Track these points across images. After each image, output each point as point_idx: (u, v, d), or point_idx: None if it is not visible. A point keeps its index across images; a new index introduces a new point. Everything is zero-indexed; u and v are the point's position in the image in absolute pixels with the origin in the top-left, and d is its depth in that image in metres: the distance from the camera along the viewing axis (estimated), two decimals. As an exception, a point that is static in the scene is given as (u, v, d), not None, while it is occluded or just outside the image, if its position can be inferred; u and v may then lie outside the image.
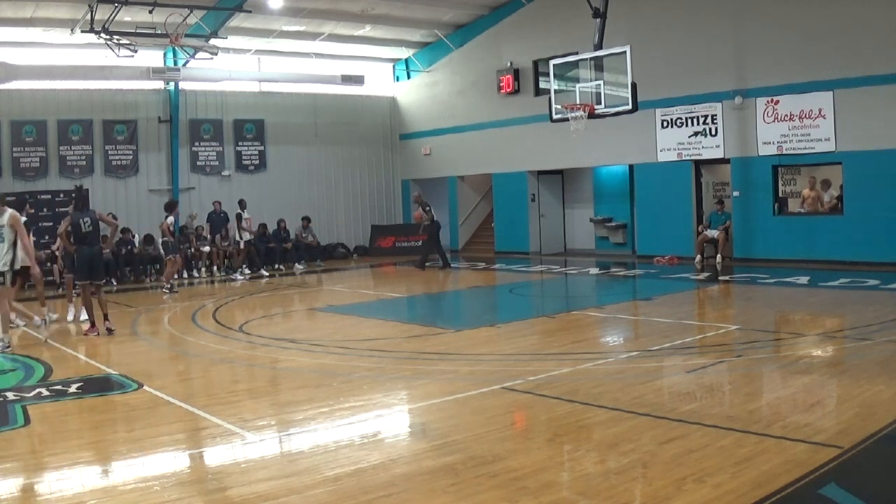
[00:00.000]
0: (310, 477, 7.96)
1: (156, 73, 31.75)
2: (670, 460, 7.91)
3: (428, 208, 31.03)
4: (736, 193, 27.81)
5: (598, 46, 24.08)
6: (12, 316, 17.81)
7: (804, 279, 22.55)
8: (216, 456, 9.10)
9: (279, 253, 33.27)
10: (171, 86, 34.00)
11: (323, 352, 15.03)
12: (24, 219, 17.50)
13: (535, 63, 33.95)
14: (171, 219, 26.48)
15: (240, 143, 36.10)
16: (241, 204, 30.83)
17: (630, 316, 18.84)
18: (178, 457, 8.89)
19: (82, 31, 27.50)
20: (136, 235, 30.37)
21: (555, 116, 25.37)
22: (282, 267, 32.69)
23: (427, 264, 31.40)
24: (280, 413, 10.77)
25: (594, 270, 28.77)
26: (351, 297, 23.79)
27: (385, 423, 10.31)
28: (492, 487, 7.45)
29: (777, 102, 26.41)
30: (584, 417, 9.78)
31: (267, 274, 30.17)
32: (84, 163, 32.24)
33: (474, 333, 16.57)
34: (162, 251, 27.45)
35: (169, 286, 26.10)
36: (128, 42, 27.72)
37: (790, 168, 27.15)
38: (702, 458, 7.94)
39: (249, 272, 30.54)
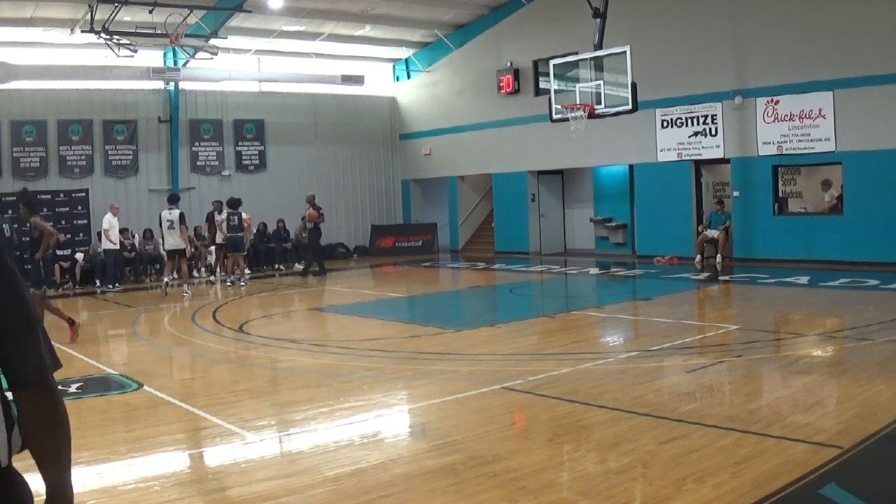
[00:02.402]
0: (310, 477, 7.97)
1: (156, 73, 31.75)
2: (670, 460, 7.91)
3: (321, 211, 30.48)
4: (736, 193, 27.80)
5: (598, 46, 24.11)
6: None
7: (804, 279, 22.54)
8: (216, 456, 9.11)
9: (279, 253, 33.27)
10: (171, 86, 34.00)
11: (323, 352, 15.07)
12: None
13: (535, 63, 33.95)
14: (244, 215, 27.44)
15: (240, 143, 36.10)
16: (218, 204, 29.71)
17: (630, 316, 18.86)
18: (178, 457, 8.90)
19: (82, 31, 27.50)
20: (136, 236, 30.34)
21: (555, 116, 25.41)
22: (282, 267, 32.68)
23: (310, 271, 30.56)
24: (280, 413, 10.78)
25: (594, 270, 28.79)
26: (351, 297, 23.80)
27: (385, 423, 10.32)
28: (492, 487, 7.46)
29: (777, 102, 26.41)
30: (584, 417, 9.79)
31: (230, 281, 28.48)
32: (84, 163, 32.23)
33: (474, 333, 16.58)
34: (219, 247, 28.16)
35: (235, 279, 27.41)
36: (128, 42, 27.73)
37: (790, 168, 27.15)
38: (702, 458, 7.94)
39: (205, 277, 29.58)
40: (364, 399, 11.24)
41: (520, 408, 10.64)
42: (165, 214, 25.27)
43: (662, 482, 7.36)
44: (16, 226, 17.99)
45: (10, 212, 26.69)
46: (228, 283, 26.98)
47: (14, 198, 28.14)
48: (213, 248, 29.52)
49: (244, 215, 27.68)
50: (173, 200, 25.81)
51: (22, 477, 2.86)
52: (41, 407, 2.91)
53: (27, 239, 18.63)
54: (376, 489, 7.54)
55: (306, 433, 9.78)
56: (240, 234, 27.48)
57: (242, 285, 26.92)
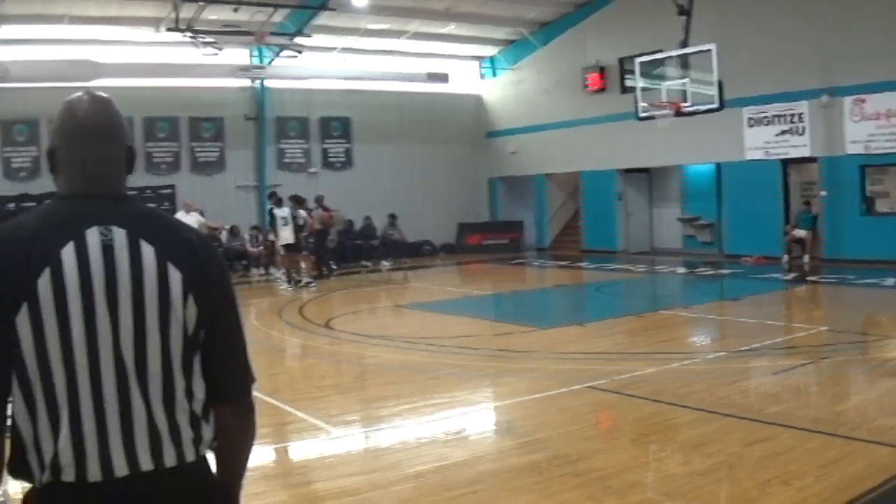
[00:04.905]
0: (394, 473, 8.02)
1: (242, 71, 32.03)
2: (756, 462, 7.86)
3: (332, 212, 29.87)
4: (823, 193, 27.46)
5: (684, 44, 23.95)
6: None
7: (893, 280, 22.24)
8: (301, 450, 9.23)
9: (366, 250, 33.42)
10: (258, 83, 34.24)
11: (409, 348, 15.10)
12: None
13: (621, 61, 33.62)
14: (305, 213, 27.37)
15: (326, 141, 36.30)
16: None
17: (717, 316, 18.71)
18: (264, 450, 8.97)
19: (167, 30, 27.74)
20: (224, 231, 30.56)
21: (641, 114, 25.29)
22: (368, 264, 32.80)
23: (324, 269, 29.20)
24: (366, 409, 10.87)
25: (681, 270, 28.57)
26: (437, 295, 23.85)
27: (470, 420, 10.36)
28: (576, 486, 7.46)
29: (864, 101, 26.08)
30: (670, 418, 9.76)
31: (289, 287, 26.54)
32: (171, 159, 32.59)
33: (561, 332, 16.54)
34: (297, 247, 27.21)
35: (307, 281, 26.74)
36: (212, 40, 27.97)
37: (878, 168, 26.78)
38: (787, 460, 7.89)
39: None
40: (450, 396, 11.30)
41: (605, 407, 10.64)
42: (279, 212, 26.13)
43: (747, 484, 7.32)
44: None
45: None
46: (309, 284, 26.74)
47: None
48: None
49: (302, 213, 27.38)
50: (280, 201, 26.85)
51: (212, 472, 3.00)
52: (237, 422, 3.06)
53: None
54: (460, 486, 7.58)
55: (391, 429, 9.84)
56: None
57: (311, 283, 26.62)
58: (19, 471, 2.77)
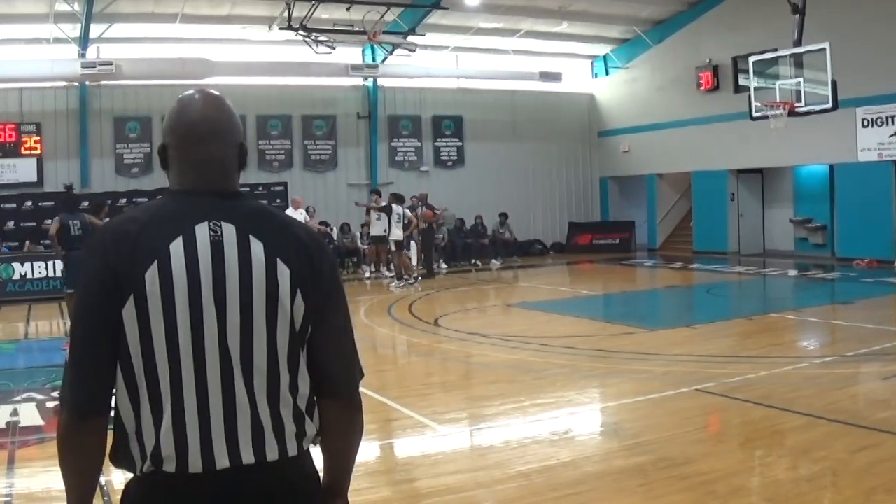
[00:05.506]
0: (499, 471, 8.05)
1: (354, 69, 32.26)
2: (861, 469, 7.76)
3: (436, 210, 29.76)
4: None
5: (798, 43, 23.62)
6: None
7: None
8: (406, 447, 9.30)
9: (476, 248, 33.49)
10: (370, 82, 34.47)
11: (517, 347, 15.11)
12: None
13: (735, 60, 33.33)
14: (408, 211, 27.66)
15: (438, 139, 36.44)
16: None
17: (827, 320, 18.41)
18: (369, 446, 9.04)
19: (280, 29, 27.99)
20: (335, 228, 30.78)
21: (755, 114, 25.01)
22: (478, 262, 32.86)
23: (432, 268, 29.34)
24: (471, 407, 10.90)
25: (793, 272, 28.17)
26: (546, 294, 23.81)
27: (577, 420, 10.36)
28: (681, 490, 7.43)
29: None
30: (778, 422, 9.66)
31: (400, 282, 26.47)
32: (283, 157, 33.00)
33: (670, 333, 16.42)
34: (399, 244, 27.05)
35: (414, 279, 26.56)
36: (325, 39, 28.18)
37: None
38: (894, 467, 7.79)
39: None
40: (556, 396, 11.30)
41: (713, 410, 10.56)
42: (396, 209, 26.41)
43: (852, 491, 7.23)
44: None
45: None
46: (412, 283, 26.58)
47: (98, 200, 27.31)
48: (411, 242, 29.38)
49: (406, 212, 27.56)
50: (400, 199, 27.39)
51: (315, 466, 3.03)
52: (344, 417, 3.09)
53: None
54: (565, 487, 7.59)
55: (497, 428, 9.88)
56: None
57: (414, 282, 26.36)
58: (121, 460, 2.83)
